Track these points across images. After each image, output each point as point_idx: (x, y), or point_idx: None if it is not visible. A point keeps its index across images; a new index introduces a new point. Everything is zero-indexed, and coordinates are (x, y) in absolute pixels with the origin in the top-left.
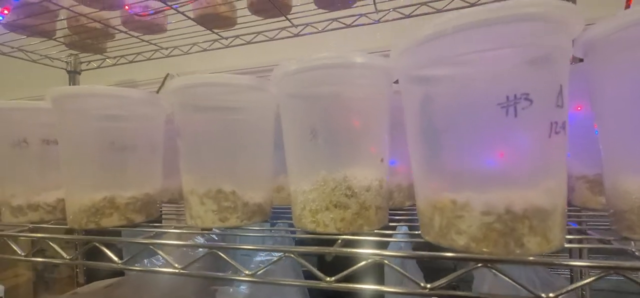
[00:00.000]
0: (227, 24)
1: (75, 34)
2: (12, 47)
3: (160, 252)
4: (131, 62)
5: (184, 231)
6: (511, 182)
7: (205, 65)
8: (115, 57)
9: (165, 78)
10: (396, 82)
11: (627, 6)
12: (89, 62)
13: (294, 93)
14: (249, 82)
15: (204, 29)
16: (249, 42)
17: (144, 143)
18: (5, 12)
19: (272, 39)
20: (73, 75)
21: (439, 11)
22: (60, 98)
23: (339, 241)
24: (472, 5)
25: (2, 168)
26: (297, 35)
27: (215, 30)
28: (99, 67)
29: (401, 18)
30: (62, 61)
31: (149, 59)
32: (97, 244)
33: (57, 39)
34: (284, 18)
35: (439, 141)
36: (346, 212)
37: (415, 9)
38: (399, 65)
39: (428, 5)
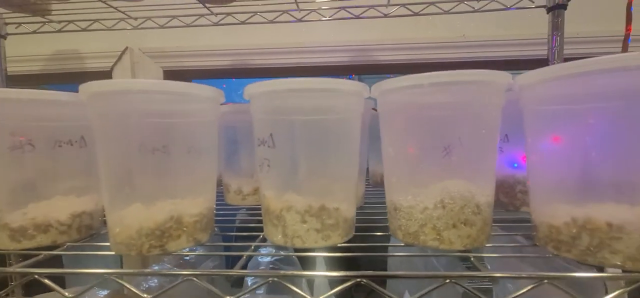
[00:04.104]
0: (225, 1)
1: None
2: None
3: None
4: (84, 30)
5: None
6: None
7: (169, 41)
8: (61, 22)
9: (123, 52)
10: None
11: (628, 22)
12: (20, 24)
13: (424, 104)
14: (354, 87)
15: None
16: (242, 22)
17: (209, 146)
18: None
19: (271, 22)
20: None
21: (446, 12)
22: (108, 94)
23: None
24: (476, 10)
25: (2, 180)
26: (300, 20)
27: (208, 5)
28: (35, 32)
29: (410, 15)
30: None
31: (110, 29)
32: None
33: None
34: (292, 0)
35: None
36: (472, 229)
37: (424, 8)
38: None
39: (436, 6)
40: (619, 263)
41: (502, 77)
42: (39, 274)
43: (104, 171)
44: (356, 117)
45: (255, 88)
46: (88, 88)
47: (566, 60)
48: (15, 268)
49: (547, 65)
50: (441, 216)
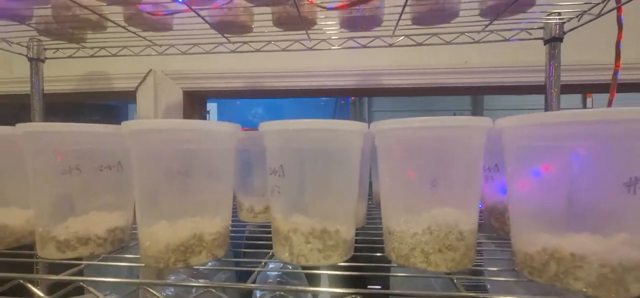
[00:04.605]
0: (243, 31)
1: (59, 22)
2: None
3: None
4: (114, 55)
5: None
6: None
7: (189, 64)
8: (94, 48)
9: (147, 74)
10: None
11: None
12: (57, 49)
13: (414, 144)
14: (356, 127)
15: (209, 28)
16: (257, 50)
17: (227, 170)
18: None
19: (284, 50)
20: (35, 62)
21: (447, 43)
22: (144, 131)
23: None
24: (477, 41)
25: (49, 197)
26: (310, 49)
27: (226, 35)
28: (70, 57)
29: (413, 45)
30: (23, 46)
31: (137, 55)
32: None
33: (29, 24)
34: (303, 31)
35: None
36: (456, 253)
37: (427, 39)
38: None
39: (438, 36)
40: (582, 289)
41: (482, 122)
42: (84, 281)
43: (138, 192)
44: (356, 152)
45: (269, 126)
46: (128, 125)
47: (563, 86)
48: (63, 276)
49: (545, 91)
50: (429, 241)
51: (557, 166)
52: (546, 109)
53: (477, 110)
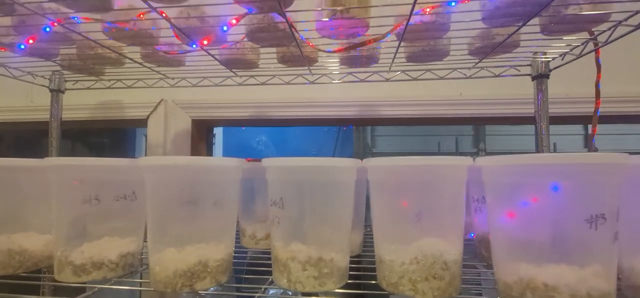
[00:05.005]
0: (249, 68)
1: (81, 59)
2: None
3: None
4: (129, 87)
5: None
6: None
7: (198, 95)
8: (110, 80)
9: (158, 103)
10: None
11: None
12: (76, 81)
13: (401, 180)
14: (348, 164)
15: (218, 64)
16: (262, 83)
17: (232, 200)
18: (30, 41)
19: (287, 83)
20: (56, 93)
21: (440, 78)
22: (160, 166)
23: None
24: (468, 77)
25: (71, 225)
26: (312, 83)
27: (234, 69)
28: (89, 88)
29: (408, 80)
30: (45, 78)
31: (150, 87)
32: None
33: (55, 60)
34: (305, 67)
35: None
36: (441, 282)
37: (422, 74)
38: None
39: (432, 72)
40: None
41: (463, 161)
42: None
43: (150, 220)
44: (349, 186)
45: (271, 162)
46: (145, 160)
47: (551, 118)
48: None
49: (535, 120)
50: (416, 270)
51: (528, 202)
52: (536, 140)
53: (479, 133)
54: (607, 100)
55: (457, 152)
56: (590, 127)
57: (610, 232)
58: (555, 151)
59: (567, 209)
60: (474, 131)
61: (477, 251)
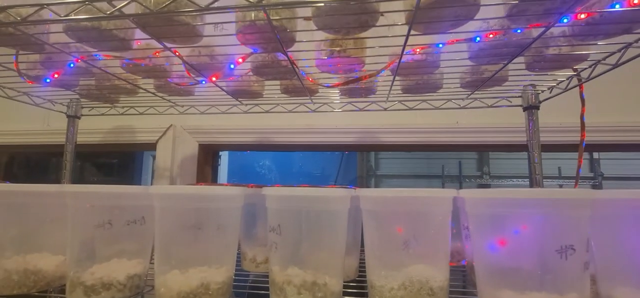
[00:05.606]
0: (254, 97)
1: (99, 89)
2: (18, 91)
3: None
4: (141, 114)
5: None
6: None
7: (206, 121)
8: (123, 107)
9: (167, 128)
10: None
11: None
12: (92, 108)
13: (389, 210)
14: (342, 194)
15: (225, 94)
16: (266, 111)
17: (233, 225)
18: (56, 76)
19: (290, 111)
20: (73, 119)
21: (436, 108)
22: (170, 195)
23: None
24: (462, 107)
25: (83, 247)
26: (314, 111)
27: (240, 99)
28: (103, 114)
29: (405, 110)
30: (63, 105)
31: (161, 114)
32: None
33: (74, 90)
34: (307, 97)
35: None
36: None
37: (418, 104)
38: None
39: (427, 102)
40: None
41: (447, 193)
42: None
43: (158, 244)
44: (343, 214)
45: (270, 191)
46: (157, 189)
47: (543, 146)
48: None
49: (528, 149)
50: (404, 295)
51: (506, 232)
52: (529, 166)
53: (482, 157)
54: (605, 129)
55: (461, 175)
56: (596, 153)
57: (579, 262)
58: (560, 175)
59: (540, 240)
60: (477, 154)
61: (469, 278)
